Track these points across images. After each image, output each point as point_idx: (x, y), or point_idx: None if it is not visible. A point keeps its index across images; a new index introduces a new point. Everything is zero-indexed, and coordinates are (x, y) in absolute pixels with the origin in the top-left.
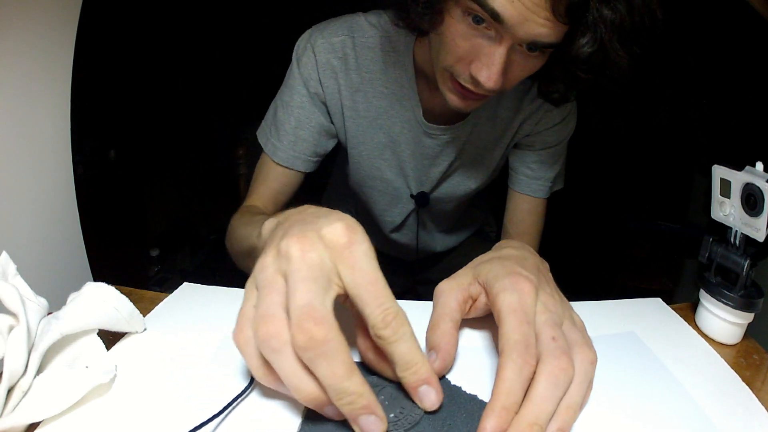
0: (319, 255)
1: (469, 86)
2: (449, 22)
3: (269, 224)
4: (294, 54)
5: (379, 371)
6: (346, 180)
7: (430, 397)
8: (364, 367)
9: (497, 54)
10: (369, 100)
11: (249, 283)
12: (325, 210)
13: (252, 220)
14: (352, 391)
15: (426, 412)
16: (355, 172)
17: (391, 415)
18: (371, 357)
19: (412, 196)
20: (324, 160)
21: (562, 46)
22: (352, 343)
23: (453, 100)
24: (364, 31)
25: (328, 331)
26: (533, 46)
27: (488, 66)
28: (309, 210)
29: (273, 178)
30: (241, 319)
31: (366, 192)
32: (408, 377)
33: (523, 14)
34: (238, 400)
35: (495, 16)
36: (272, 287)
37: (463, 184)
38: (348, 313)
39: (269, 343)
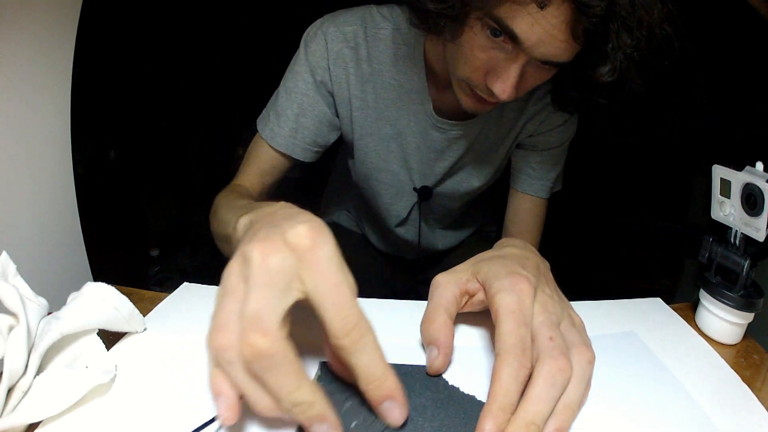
0: (281, 258)
1: (483, 95)
2: (468, 34)
3: (244, 222)
4: (303, 40)
5: (347, 380)
6: (347, 178)
7: (393, 413)
8: (333, 373)
9: (512, 69)
10: (378, 91)
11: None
12: (295, 211)
13: (235, 204)
14: (302, 401)
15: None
16: (360, 164)
17: (353, 424)
18: (337, 365)
19: (415, 189)
20: (323, 159)
21: (581, 68)
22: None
23: (467, 102)
24: (377, 22)
25: (272, 343)
26: (547, 62)
27: (503, 80)
28: (281, 211)
29: (266, 161)
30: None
31: (372, 185)
32: (370, 391)
33: (542, 37)
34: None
35: (514, 38)
36: (232, 294)
37: (467, 181)
38: None
39: (222, 356)
